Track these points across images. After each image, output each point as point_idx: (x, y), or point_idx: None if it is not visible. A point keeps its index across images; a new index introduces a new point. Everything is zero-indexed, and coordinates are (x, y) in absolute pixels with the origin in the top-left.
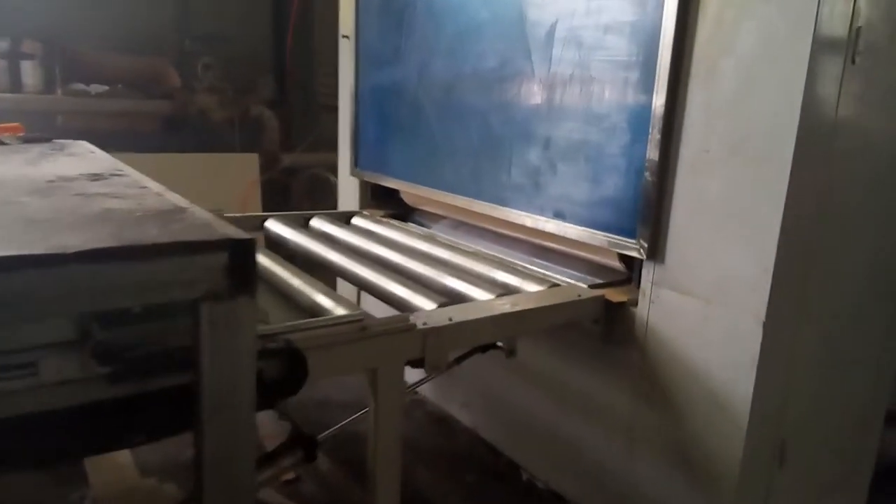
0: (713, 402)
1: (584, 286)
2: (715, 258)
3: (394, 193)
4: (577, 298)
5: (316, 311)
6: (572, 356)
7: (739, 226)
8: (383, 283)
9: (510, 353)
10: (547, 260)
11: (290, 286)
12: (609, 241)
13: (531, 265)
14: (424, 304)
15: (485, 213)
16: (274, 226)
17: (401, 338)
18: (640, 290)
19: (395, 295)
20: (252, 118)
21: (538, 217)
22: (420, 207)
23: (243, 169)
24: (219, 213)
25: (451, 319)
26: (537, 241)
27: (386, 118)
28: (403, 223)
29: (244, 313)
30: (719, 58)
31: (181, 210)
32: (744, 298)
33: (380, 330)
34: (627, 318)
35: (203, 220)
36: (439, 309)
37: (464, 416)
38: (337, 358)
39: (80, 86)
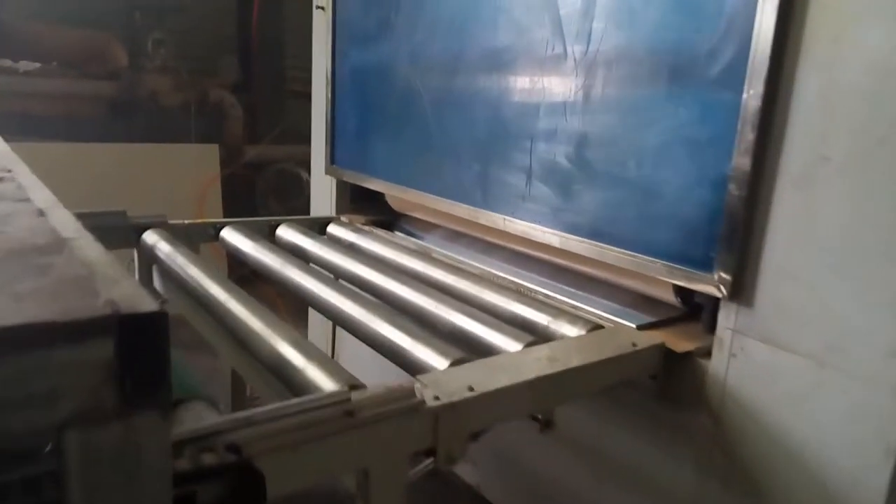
0: (824, 494)
1: (634, 326)
2: (832, 305)
3: (377, 196)
4: (633, 349)
5: (282, 371)
6: (615, 414)
7: (874, 263)
8: (370, 321)
9: (546, 424)
10: (569, 284)
11: (246, 330)
12: (670, 272)
13: (551, 290)
14: (429, 357)
15: (495, 226)
16: (231, 236)
17: (403, 423)
18: (716, 337)
19: (386, 340)
20: (211, 104)
21: (568, 236)
22: (409, 214)
23: (201, 162)
24: (161, 221)
25: (472, 389)
26: (556, 259)
27: (369, 106)
28: (389, 233)
29: (148, 438)
30: (849, 24)
31: (58, 246)
32: (877, 364)
33: (373, 414)
34: (695, 372)
35: (84, 268)
36: (453, 369)
37: (467, 474)
38: (310, 460)
39: (7, 62)
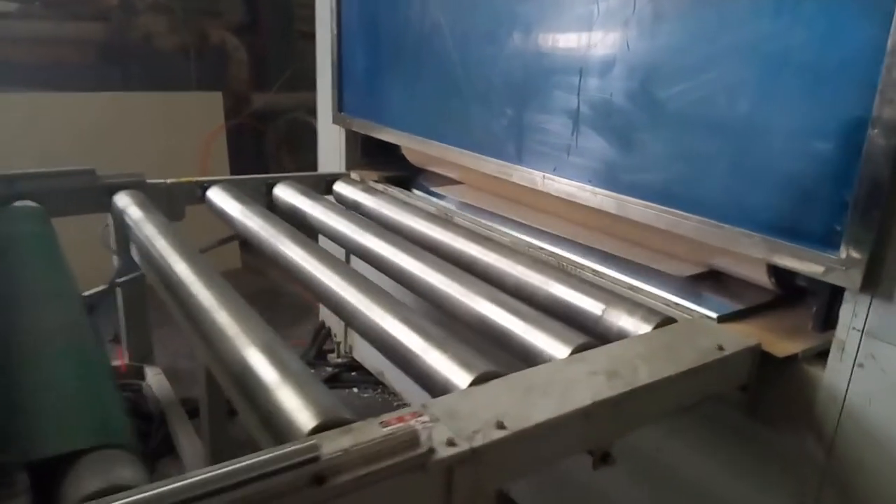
0: None
1: (714, 317)
2: None
3: (393, 148)
4: (720, 355)
5: (247, 387)
6: (689, 431)
7: None
8: (375, 317)
9: (603, 458)
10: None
11: (211, 324)
12: (771, 249)
13: (601, 265)
14: (446, 369)
15: (532, 186)
16: (219, 198)
17: (401, 486)
18: (835, 339)
19: (395, 343)
20: (212, 47)
21: (628, 199)
22: (429, 168)
23: (203, 113)
24: (136, 180)
25: (502, 426)
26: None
27: (381, 42)
28: (405, 191)
29: None
30: None
31: None
32: None
33: (353, 479)
34: (801, 383)
35: None
36: (477, 390)
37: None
38: None
39: None
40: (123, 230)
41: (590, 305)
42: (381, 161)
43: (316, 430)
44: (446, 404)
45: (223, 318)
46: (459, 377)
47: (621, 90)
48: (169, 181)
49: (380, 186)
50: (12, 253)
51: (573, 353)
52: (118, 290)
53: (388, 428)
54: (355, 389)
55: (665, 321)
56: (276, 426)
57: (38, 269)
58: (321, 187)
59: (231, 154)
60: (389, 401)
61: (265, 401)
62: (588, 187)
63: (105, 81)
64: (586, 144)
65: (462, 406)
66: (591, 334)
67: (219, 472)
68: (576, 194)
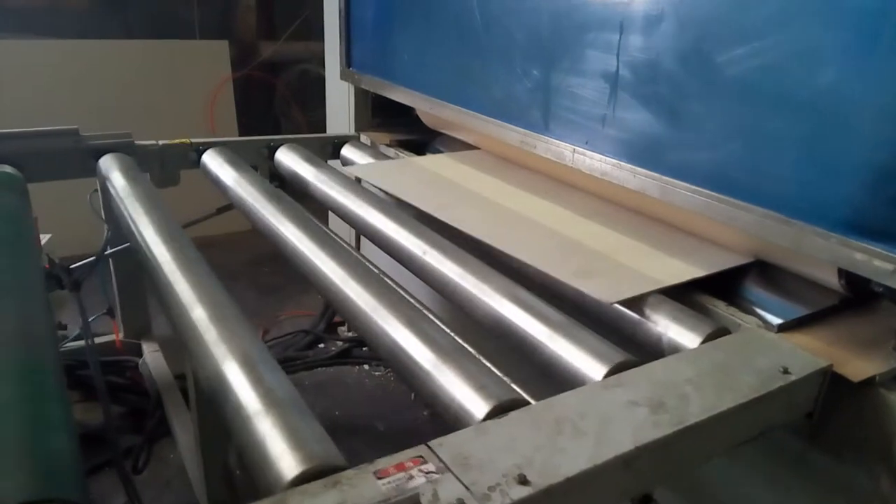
0: None
1: (774, 325)
2: None
3: (406, 108)
4: (785, 380)
5: (222, 414)
6: (739, 460)
7: None
8: (376, 319)
9: (644, 501)
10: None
11: (188, 327)
12: (852, 253)
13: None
14: (458, 393)
15: (559, 160)
16: (214, 162)
17: None
18: None
19: (398, 354)
20: None
21: (674, 183)
22: (446, 132)
23: (208, 63)
24: (124, 142)
25: (524, 481)
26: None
27: None
28: (419, 156)
29: None
30: None
31: None
32: None
33: None
34: (877, 410)
35: None
36: (493, 427)
37: None
38: None
39: None
40: (109, 197)
41: (628, 308)
42: (394, 122)
43: (298, 481)
44: (457, 446)
45: (200, 316)
46: (474, 405)
47: (670, 51)
48: (161, 143)
49: (391, 152)
50: None
51: (609, 373)
52: (111, 260)
53: (385, 481)
54: (366, 367)
55: (717, 332)
56: (252, 462)
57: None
58: (328, 151)
59: (238, 108)
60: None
61: (242, 430)
62: (626, 165)
63: (103, 28)
64: (626, 115)
65: (476, 449)
66: (627, 342)
67: None
68: (611, 173)
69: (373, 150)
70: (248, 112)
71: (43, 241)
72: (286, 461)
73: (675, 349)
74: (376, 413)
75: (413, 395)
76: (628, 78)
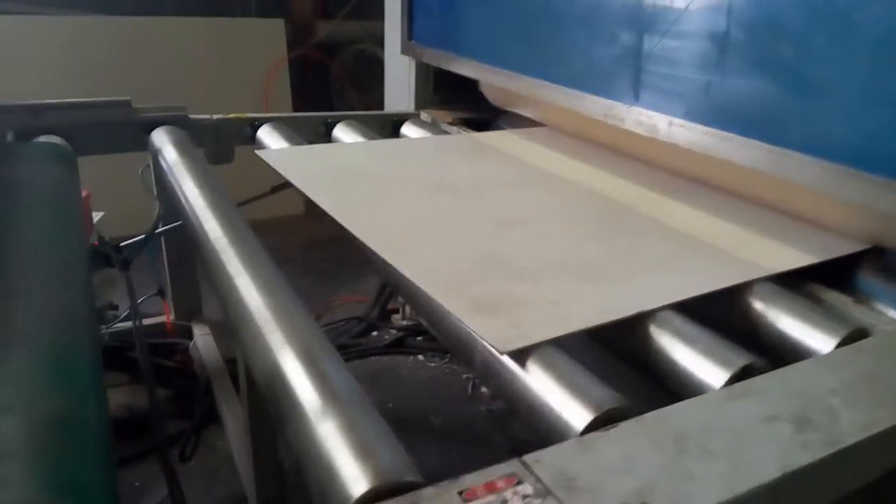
0: None
1: None
2: None
3: (470, 86)
4: None
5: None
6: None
7: None
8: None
9: None
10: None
11: (241, 315)
12: None
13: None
14: (548, 394)
15: (651, 135)
16: (270, 137)
17: None
18: None
19: (467, 336)
20: None
21: (803, 160)
22: (512, 110)
23: (264, 42)
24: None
25: None
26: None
27: None
28: (480, 132)
29: None
30: None
31: None
32: None
33: None
34: None
35: None
36: (596, 443)
37: None
38: None
39: None
40: (161, 172)
41: (745, 300)
42: (456, 100)
43: (367, 500)
44: (558, 464)
45: (253, 300)
46: (572, 412)
47: (794, 5)
48: (215, 117)
49: (454, 130)
50: (14, 199)
51: (732, 380)
52: (162, 239)
53: None
54: (421, 357)
55: (856, 333)
56: (310, 471)
57: (38, 226)
58: (387, 129)
59: (293, 90)
60: (459, 372)
61: (301, 433)
62: (737, 138)
63: (159, 4)
64: (737, 81)
65: (581, 467)
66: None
67: None
68: (715, 147)
69: (434, 127)
70: (302, 93)
71: (95, 220)
72: (352, 474)
73: (801, 353)
74: (432, 406)
75: (470, 388)
76: (740, 38)
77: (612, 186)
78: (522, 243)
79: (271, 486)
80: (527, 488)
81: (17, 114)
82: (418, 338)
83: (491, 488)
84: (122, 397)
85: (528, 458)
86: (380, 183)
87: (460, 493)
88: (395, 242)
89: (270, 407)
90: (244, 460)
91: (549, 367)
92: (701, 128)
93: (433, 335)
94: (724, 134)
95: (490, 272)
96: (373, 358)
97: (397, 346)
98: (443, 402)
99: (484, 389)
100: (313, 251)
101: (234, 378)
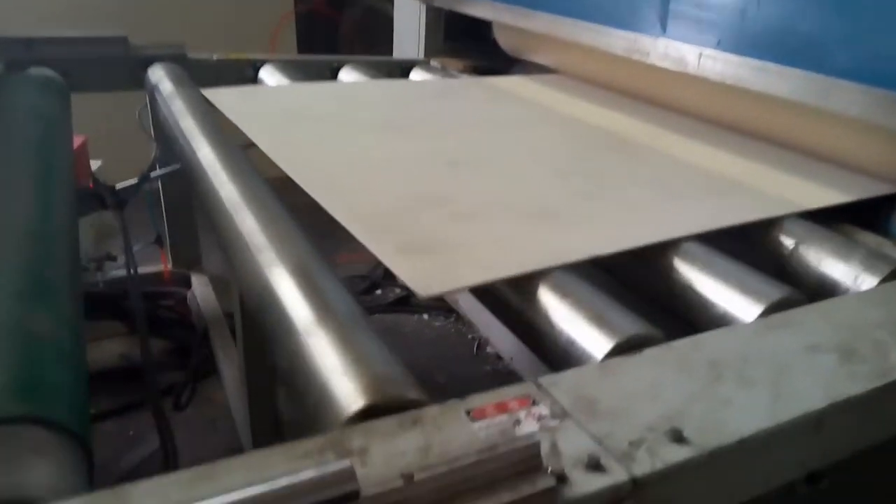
0: None
1: None
2: None
3: (482, 33)
4: None
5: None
6: None
7: None
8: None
9: (812, 479)
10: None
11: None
12: None
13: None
14: (565, 321)
15: (679, 68)
16: (273, 79)
17: None
18: None
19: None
20: None
21: (845, 86)
22: (527, 58)
23: None
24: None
25: (683, 438)
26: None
27: None
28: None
29: None
30: None
31: None
32: None
33: None
34: None
35: None
36: (621, 367)
37: None
38: None
39: None
40: (157, 110)
41: (778, 237)
42: (467, 49)
43: (360, 416)
44: (578, 387)
45: (247, 221)
46: (592, 340)
47: None
48: (215, 57)
49: (465, 75)
50: (5, 124)
51: (767, 312)
52: (160, 186)
53: (483, 424)
54: (426, 316)
55: None
56: (304, 394)
57: (26, 151)
58: (395, 75)
59: (300, 46)
60: (464, 332)
61: (292, 351)
62: (774, 67)
63: None
64: (776, 5)
65: (604, 391)
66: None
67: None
68: (750, 78)
69: (444, 73)
70: (309, 50)
71: (94, 168)
72: (347, 390)
73: (838, 291)
74: (436, 364)
75: (476, 347)
76: None
77: (625, 126)
78: (477, 184)
79: (268, 437)
80: (542, 409)
81: (9, 46)
82: None
83: (502, 409)
84: (118, 347)
85: (543, 379)
86: (331, 123)
87: (468, 412)
88: (329, 182)
89: (265, 331)
90: (241, 411)
91: (564, 293)
92: (734, 58)
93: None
94: (760, 63)
95: (432, 213)
96: (377, 316)
97: (402, 305)
98: (447, 360)
99: (490, 349)
100: (315, 210)
101: (234, 332)
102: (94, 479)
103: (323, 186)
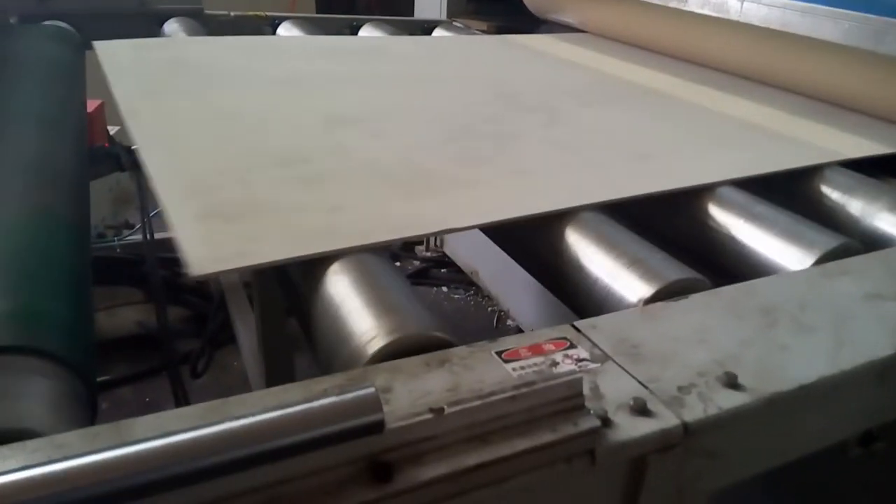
0: None
1: None
2: None
3: None
4: None
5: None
6: None
7: None
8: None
9: (866, 440)
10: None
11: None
12: None
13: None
14: (600, 268)
15: (723, 16)
16: (290, 33)
17: (544, 489)
18: None
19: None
20: None
21: None
22: (550, 17)
23: None
24: (193, 8)
25: (737, 384)
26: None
27: None
28: (519, 34)
29: None
30: None
31: None
32: None
33: (449, 475)
34: None
35: None
36: (666, 311)
37: None
38: None
39: None
40: None
41: (821, 187)
42: (490, 10)
43: (384, 356)
44: (618, 330)
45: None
46: (630, 286)
47: None
48: (233, 14)
49: (487, 37)
50: (11, 77)
51: (820, 261)
52: None
53: (517, 364)
54: (445, 289)
55: None
56: (323, 339)
57: (37, 96)
58: (417, 34)
59: (318, 6)
60: (483, 305)
61: (310, 298)
62: (821, 9)
63: None
64: None
65: (645, 335)
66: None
67: (156, 445)
68: (796, 22)
69: (466, 31)
70: (328, 12)
71: (112, 132)
72: (368, 328)
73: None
74: (456, 337)
75: (496, 320)
76: None
77: (658, 81)
78: (355, 142)
79: None
80: (581, 352)
81: None
82: (442, 270)
83: (537, 350)
84: (136, 314)
85: (581, 323)
86: (225, 77)
87: (499, 352)
88: (172, 139)
89: (281, 283)
90: (258, 378)
91: (597, 235)
92: (779, 0)
93: (458, 266)
94: (807, 5)
95: (275, 174)
96: None
97: (420, 278)
98: (467, 333)
99: (510, 322)
100: None
101: (251, 299)
102: (97, 413)
103: (159, 141)
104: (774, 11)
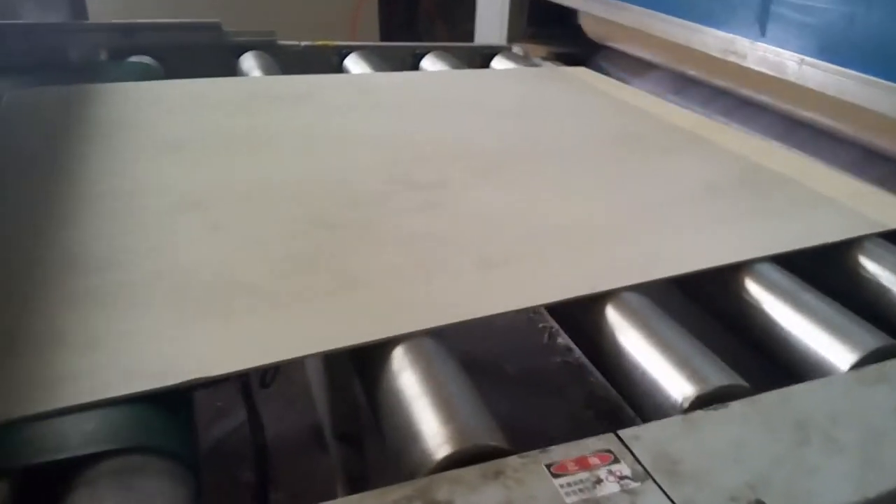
0: None
1: None
2: None
3: (567, 17)
4: None
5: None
6: None
7: None
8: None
9: None
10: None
11: None
12: None
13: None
14: (650, 363)
15: (779, 75)
16: (357, 66)
17: None
18: None
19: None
20: None
21: None
22: (612, 45)
23: None
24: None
25: None
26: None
27: None
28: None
29: None
30: None
31: None
32: None
33: None
34: None
35: None
36: (700, 422)
37: None
38: None
39: None
40: None
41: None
42: (551, 34)
43: (448, 464)
44: (659, 443)
45: None
46: (675, 385)
47: None
48: (303, 44)
49: (546, 63)
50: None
51: (859, 363)
52: None
53: (564, 480)
54: None
55: None
56: (388, 429)
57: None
58: (476, 62)
59: (382, 24)
60: (535, 321)
61: (377, 387)
62: (882, 82)
63: None
64: (885, 13)
65: (686, 450)
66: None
67: None
68: (854, 91)
69: (527, 61)
70: (390, 26)
71: None
72: (434, 435)
73: None
74: (506, 353)
75: (546, 338)
76: None
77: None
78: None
79: (346, 422)
80: (623, 468)
81: (110, 33)
82: None
83: (583, 465)
84: None
85: (625, 433)
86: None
87: (548, 465)
88: None
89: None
90: (321, 394)
91: (648, 329)
92: (836, 69)
93: None
94: (866, 77)
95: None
96: None
97: None
98: (517, 350)
99: (560, 340)
100: None
101: None
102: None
103: None
104: (831, 77)
